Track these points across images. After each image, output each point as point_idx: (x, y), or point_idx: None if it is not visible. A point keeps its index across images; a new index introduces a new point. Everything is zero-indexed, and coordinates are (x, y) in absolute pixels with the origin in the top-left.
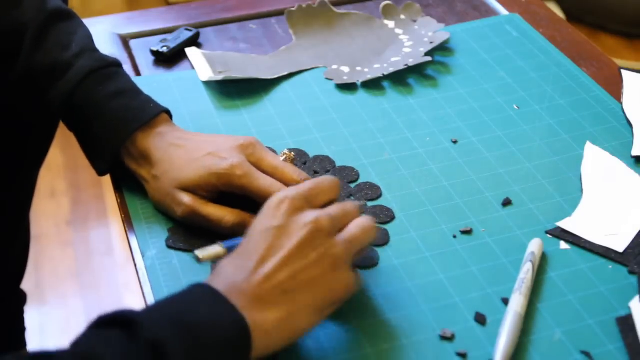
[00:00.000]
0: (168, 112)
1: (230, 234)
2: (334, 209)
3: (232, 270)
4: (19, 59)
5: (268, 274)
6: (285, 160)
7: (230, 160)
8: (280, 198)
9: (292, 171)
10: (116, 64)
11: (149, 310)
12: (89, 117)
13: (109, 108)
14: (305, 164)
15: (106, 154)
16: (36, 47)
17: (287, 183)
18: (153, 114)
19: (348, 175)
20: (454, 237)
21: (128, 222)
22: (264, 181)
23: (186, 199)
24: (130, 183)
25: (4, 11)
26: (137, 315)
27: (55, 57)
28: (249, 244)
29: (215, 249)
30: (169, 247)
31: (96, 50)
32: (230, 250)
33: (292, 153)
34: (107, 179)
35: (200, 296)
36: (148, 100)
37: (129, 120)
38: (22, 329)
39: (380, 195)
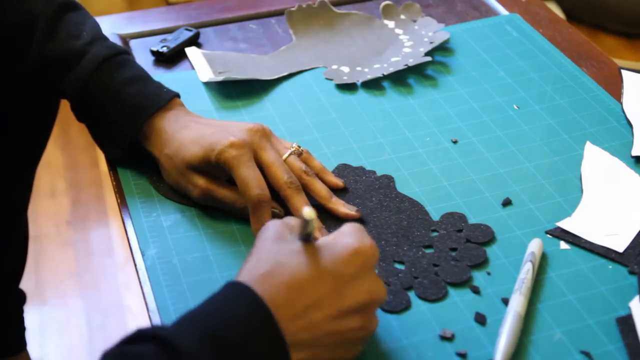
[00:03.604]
0: (179, 97)
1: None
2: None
3: (281, 294)
4: (30, 50)
5: (315, 323)
6: (291, 153)
7: (232, 138)
8: (361, 248)
9: (282, 173)
10: (126, 52)
11: (182, 324)
12: (105, 103)
13: (126, 94)
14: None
15: (125, 137)
16: (48, 38)
17: (273, 182)
18: (168, 98)
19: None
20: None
21: (128, 221)
22: (246, 172)
23: (201, 181)
24: (130, 183)
25: (15, 3)
26: (169, 331)
27: (68, 47)
28: (309, 275)
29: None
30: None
31: (106, 39)
32: None
33: (301, 148)
34: (107, 179)
35: (244, 310)
36: (161, 85)
37: (147, 104)
38: (22, 329)
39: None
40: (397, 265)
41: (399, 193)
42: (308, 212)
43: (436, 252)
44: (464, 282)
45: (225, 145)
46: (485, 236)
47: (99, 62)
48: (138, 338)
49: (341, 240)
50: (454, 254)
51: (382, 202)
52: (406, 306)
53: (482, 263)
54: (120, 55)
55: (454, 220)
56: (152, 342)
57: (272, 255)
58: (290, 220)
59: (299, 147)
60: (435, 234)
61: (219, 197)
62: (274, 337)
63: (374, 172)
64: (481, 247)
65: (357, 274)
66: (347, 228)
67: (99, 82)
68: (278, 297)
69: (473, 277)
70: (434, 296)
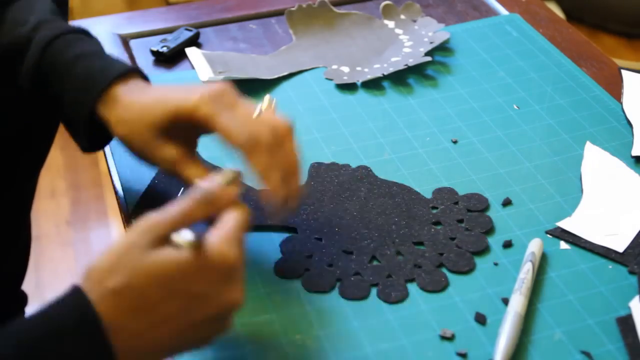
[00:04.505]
0: (143, 75)
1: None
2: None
3: (126, 315)
4: None
5: (158, 339)
6: (267, 107)
7: (203, 91)
8: (221, 257)
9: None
10: (80, 31)
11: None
12: (58, 86)
13: (77, 70)
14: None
15: (82, 115)
16: None
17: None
18: (126, 68)
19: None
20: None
21: (128, 222)
22: (228, 120)
23: (172, 151)
24: (130, 183)
25: None
26: None
27: (14, 35)
28: (159, 295)
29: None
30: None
31: (56, 20)
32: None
33: (274, 100)
34: (107, 179)
35: (71, 326)
36: (118, 59)
37: (100, 76)
38: None
39: (487, 207)
40: (418, 247)
41: (383, 180)
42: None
43: (447, 227)
44: (484, 251)
45: (198, 98)
46: (481, 203)
47: (43, 46)
48: None
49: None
50: (462, 225)
51: (371, 190)
52: (445, 284)
53: (491, 229)
54: (70, 34)
55: (446, 194)
56: None
57: (131, 266)
58: (171, 216)
59: (271, 100)
60: (435, 210)
61: (184, 174)
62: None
63: (348, 166)
64: (484, 214)
65: (208, 288)
66: (213, 237)
67: (47, 67)
68: (122, 318)
69: (478, 267)
70: (467, 267)
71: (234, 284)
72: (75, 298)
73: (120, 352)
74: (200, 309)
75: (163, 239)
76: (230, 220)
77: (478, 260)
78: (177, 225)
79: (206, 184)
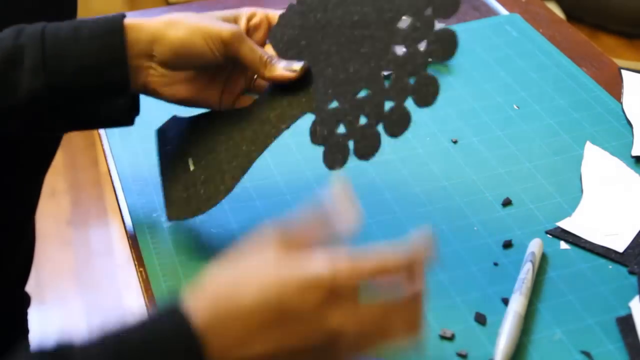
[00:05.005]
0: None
1: None
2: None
3: (228, 326)
4: None
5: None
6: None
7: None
8: (321, 280)
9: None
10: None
11: (96, 345)
12: (71, 55)
13: (84, 30)
14: None
15: (115, 56)
16: None
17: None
18: (121, 15)
19: None
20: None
21: (128, 221)
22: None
23: (229, 25)
24: (130, 183)
25: None
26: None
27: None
28: (253, 299)
29: None
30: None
31: (29, 25)
32: None
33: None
34: (107, 179)
35: (173, 345)
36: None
37: (109, 23)
38: (25, 331)
39: None
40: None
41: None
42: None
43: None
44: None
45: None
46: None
47: (39, 38)
48: (55, 356)
49: (306, 266)
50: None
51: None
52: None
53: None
54: (46, 25)
55: None
56: None
57: (247, 273)
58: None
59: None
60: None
61: (248, 45)
62: None
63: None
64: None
65: (312, 310)
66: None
67: (53, 50)
68: (221, 330)
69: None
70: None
71: (344, 310)
72: (176, 317)
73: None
74: (298, 332)
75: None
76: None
77: (478, 260)
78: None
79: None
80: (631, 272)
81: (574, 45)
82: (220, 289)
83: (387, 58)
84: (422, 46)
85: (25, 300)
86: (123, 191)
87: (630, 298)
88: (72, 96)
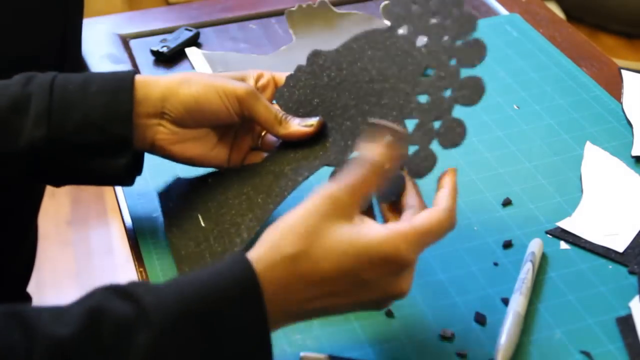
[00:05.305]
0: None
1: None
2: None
3: (292, 286)
4: None
5: (320, 308)
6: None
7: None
8: (397, 255)
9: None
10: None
11: (168, 294)
12: (75, 107)
13: (93, 86)
14: None
15: (120, 113)
16: None
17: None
18: (131, 72)
19: None
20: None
21: (128, 221)
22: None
23: (243, 84)
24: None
25: None
26: (152, 300)
27: (5, 95)
28: (328, 274)
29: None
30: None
31: (39, 74)
32: None
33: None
34: None
35: (236, 293)
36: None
37: (118, 81)
38: None
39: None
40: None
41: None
42: None
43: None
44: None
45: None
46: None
47: (48, 87)
48: (125, 293)
49: (379, 243)
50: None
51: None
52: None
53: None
54: (57, 76)
55: None
56: (135, 305)
57: (311, 231)
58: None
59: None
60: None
61: (261, 102)
62: (261, 339)
63: None
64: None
65: (379, 278)
66: (400, 228)
67: (59, 102)
68: (289, 285)
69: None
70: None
71: (404, 277)
72: (242, 269)
73: (272, 316)
74: (365, 294)
75: (344, 211)
76: (422, 219)
77: (478, 260)
78: (356, 198)
79: (367, 151)
80: (631, 272)
81: (574, 45)
82: (293, 263)
83: (410, 107)
84: (447, 93)
85: (27, 301)
86: (123, 191)
87: (630, 298)
88: (71, 150)
